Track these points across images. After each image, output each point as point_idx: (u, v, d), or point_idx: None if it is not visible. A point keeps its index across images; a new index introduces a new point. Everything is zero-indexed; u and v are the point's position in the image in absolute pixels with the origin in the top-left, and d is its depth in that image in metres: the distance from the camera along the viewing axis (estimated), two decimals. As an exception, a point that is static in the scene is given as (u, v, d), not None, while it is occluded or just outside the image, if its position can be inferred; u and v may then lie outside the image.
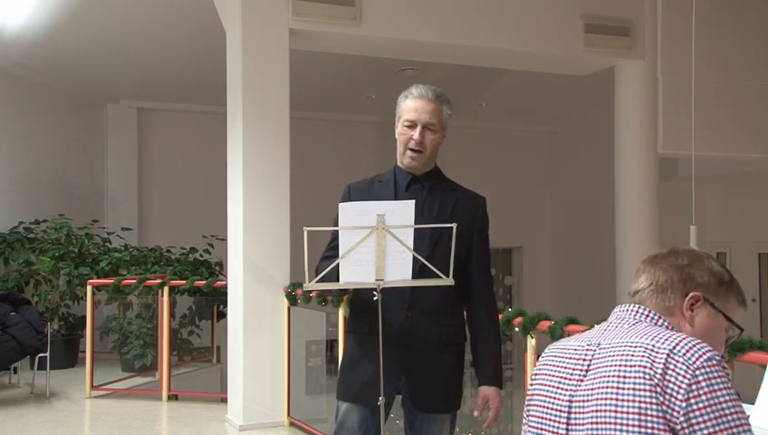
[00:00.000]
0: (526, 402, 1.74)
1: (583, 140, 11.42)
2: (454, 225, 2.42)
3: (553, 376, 1.67)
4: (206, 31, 6.87)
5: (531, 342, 3.77)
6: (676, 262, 1.67)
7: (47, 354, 6.54)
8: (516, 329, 3.81)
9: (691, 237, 5.00)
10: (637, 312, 1.66)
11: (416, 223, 2.44)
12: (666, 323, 1.63)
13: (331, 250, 2.68)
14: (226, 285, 5.95)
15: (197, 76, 8.67)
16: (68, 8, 6.87)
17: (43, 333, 6.52)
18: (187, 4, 6.70)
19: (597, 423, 1.52)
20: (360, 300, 2.70)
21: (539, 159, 12.25)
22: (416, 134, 2.64)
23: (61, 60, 8.22)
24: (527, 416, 1.71)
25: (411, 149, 2.65)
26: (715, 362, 1.46)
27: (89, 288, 6.86)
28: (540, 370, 1.73)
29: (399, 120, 2.70)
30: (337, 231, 2.59)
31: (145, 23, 7.27)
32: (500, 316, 3.90)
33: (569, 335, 3.54)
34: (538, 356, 3.74)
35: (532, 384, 1.74)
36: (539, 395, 1.69)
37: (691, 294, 1.64)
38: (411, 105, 2.68)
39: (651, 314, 1.64)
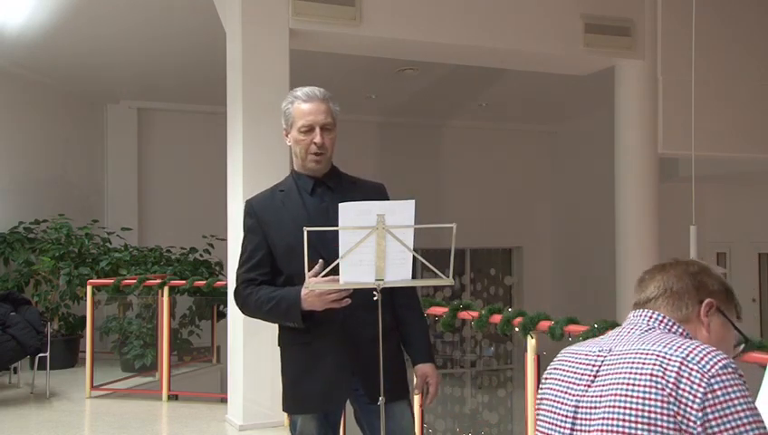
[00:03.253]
0: (536, 405, 1.72)
1: (583, 140, 11.42)
2: (454, 224, 2.42)
3: (562, 381, 1.65)
4: (205, 31, 6.87)
5: (531, 342, 3.77)
6: (688, 269, 1.66)
7: (47, 354, 6.53)
8: (516, 329, 3.81)
9: (691, 237, 5.00)
10: (650, 317, 1.63)
11: (329, 225, 2.41)
12: (680, 330, 1.60)
13: (255, 270, 2.63)
14: (226, 285, 5.94)
15: (197, 76, 8.67)
16: (68, 8, 6.87)
17: (43, 333, 6.52)
18: (187, 3, 6.69)
19: (605, 431, 1.49)
20: None
21: (539, 159, 12.25)
22: (317, 137, 2.62)
23: (61, 60, 8.22)
24: (537, 421, 1.69)
25: (314, 153, 2.64)
26: (730, 369, 1.43)
27: (89, 288, 6.86)
28: (550, 374, 1.71)
29: (293, 127, 2.66)
30: (249, 243, 2.65)
31: (145, 23, 7.27)
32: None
33: (569, 335, 3.55)
34: (538, 356, 3.76)
35: (542, 388, 1.72)
36: (548, 399, 1.67)
37: (706, 300, 1.63)
38: (304, 109, 2.64)
39: (666, 321, 1.61)
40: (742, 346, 1.73)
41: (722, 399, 1.40)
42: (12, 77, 8.40)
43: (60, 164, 9.20)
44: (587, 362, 1.61)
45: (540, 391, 1.72)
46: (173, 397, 6.65)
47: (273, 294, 2.58)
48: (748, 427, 1.39)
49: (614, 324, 3.37)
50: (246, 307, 2.67)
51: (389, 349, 2.64)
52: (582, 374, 1.60)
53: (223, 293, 6.35)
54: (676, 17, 6.79)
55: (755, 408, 1.42)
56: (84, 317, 7.12)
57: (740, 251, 11.06)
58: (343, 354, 2.57)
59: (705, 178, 9.08)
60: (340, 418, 2.68)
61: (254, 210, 2.70)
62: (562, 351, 1.74)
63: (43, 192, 8.81)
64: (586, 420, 1.54)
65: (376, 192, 2.74)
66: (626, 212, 6.95)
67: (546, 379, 1.71)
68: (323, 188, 2.69)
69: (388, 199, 2.71)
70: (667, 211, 7.39)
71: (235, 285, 2.72)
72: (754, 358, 2.70)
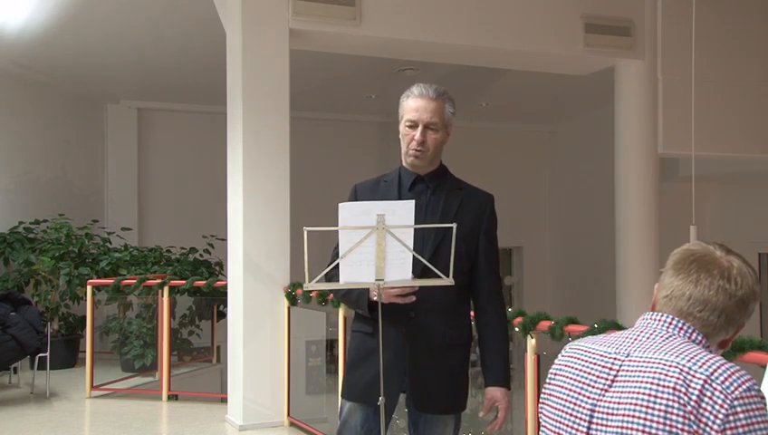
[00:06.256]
0: (542, 400, 1.68)
1: (583, 139, 11.42)
2: (454, 225, 2.41)
3: (575, 380, 1.61)
4: (206, 31, 6.87)
5: (531, 342, 3.77)
6: (748, 294, 1.58)
7: (47, 354, 6.53)
8: (516, 329, 3.81)
9: (691, 238, 5.00)
10: (670, 324, 1.58)
11: (419, 222, 2.42)
12: (700, 338, 1.56)
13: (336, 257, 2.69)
14: (226, 285, 5.95)
15: (197, 76, 8.67)
16: (68, 8, 6.87)
17: (43, 333, 6.52)
18: (187, 4, 6.70)
19: None
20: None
21: (539, 159, 12.25)
22: (417, 134, 2.62)
23: (61, 60, 8.22)
24: (543, 415, 1.66)
25: (414, 149, 2.63)
26: (754, 392, 1.41)
27: (89, 288, 6.86)
28: (560, 370, 1.66)
29: (402, 120, 2.69)
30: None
31: (145, 22, 7.27)
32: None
33: (569, 335, 3.55)
34: (538, 356, 3.76)
35: (550, 382, 1.68)
36: (557, 397, 1.63)
37: (739, 329, 1.62)
38: (412, 105, 2.65)
39: (686, 328, 1.57)
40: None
41: (744, 422, 1.38)
42: (12, 77, 8.39)
43: (60, 164, 9.19)
44: (602, 363, 1.58)
45: (547, 387, 1.68)
46: (173, 397, 6.65)
47: None
48: None
49: (614, 324, 3.37)
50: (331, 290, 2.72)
51: (451, 364, 2.63)
52: (598, 377, 1.57)
53: (223, 293, 6.35)
54: (676, 17, 6.79)
55: None
56: (84, 317, 7.12)
57: (740, 251, 10.99)
58: (398, 354, 2.54)
59: (705, 178, 9.09)
60: (388, 417, 2.58)
61: (355, 195, 2.74)
62: (570, 346, 1.69)
63: (43, 192, 8.81)
64: (602, 425, 1.52)
65: (478, 200, 2.69)
66: (626, 212, 6.95)
67: (555, 375, 1.67)
68: (423, 185, 2.68)
69: (491, 211, 2.70)
70: (667, 211, 7.40)
71: None
72: (755, 358, 2.70)
